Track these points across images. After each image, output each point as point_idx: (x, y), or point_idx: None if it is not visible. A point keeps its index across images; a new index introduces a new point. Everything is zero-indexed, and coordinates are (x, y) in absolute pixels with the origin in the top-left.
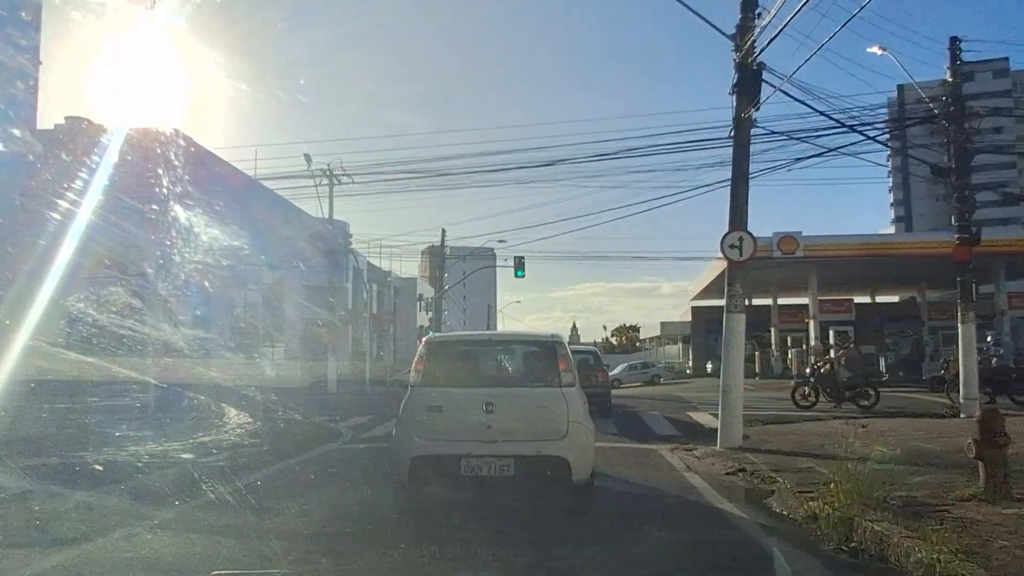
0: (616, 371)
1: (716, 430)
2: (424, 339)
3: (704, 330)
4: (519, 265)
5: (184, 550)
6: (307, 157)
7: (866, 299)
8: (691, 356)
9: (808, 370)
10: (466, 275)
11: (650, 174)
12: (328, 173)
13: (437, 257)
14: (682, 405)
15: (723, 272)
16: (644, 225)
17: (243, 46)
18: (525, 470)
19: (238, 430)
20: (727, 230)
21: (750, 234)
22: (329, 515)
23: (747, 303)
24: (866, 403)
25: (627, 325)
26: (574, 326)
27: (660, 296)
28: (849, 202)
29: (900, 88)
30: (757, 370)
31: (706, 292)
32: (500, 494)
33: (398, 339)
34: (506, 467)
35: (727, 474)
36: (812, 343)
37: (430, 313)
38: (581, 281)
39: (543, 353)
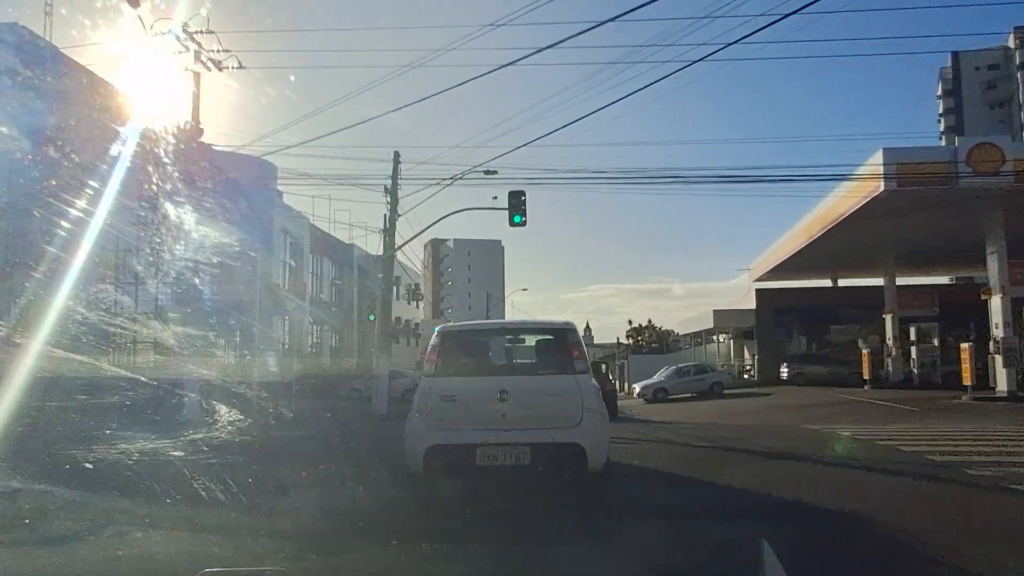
0: (659, 377)
1: None
2: (437, 329)
3: (773, 321)
4: (517, 207)
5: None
6: None
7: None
8: (755, 357)
9: None
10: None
11: None
12: (189, 41)
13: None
14: None
15: (832, 229)
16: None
17: None
18: (541, 458)
19: None
20: None
21: None
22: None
23: (834, 283)
24: None
25: (644, 325)
26: (588, 327)
27: (672, 297)
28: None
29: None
30: (867, 376)
31: (782, 269)
32: (516, 485)
33: (365, 332)
34: (522, 455)
35: None
36: (1001, 332)
37: (419, 303)
38: (593, 282)
39: (556, 340)
